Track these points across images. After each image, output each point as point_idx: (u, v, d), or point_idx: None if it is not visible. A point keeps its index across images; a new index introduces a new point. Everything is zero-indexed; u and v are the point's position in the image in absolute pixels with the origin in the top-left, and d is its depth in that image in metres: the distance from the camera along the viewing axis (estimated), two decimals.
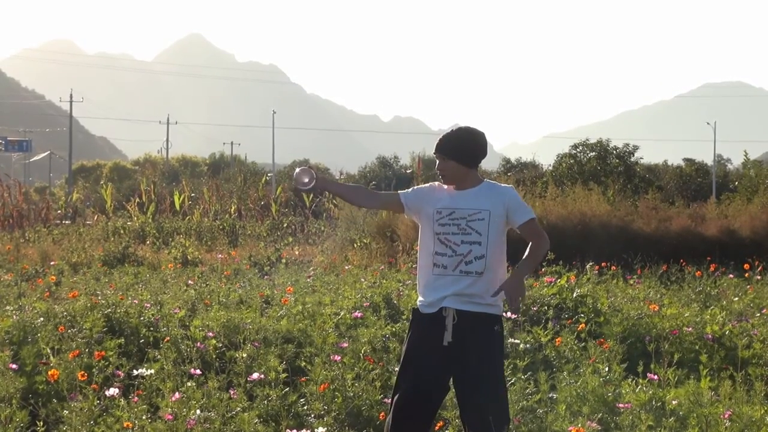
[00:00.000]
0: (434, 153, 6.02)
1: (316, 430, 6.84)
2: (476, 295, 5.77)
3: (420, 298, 5.97)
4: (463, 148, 5.97)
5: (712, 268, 16.97)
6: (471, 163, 5.96)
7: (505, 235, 5.98)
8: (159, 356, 8.26)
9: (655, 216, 23.64)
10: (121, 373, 7.62)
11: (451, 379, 5.90)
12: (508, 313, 9.54)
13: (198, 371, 7.60)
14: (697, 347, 9.63)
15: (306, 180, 5.93)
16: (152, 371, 7.54)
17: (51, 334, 9.07)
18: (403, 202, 6.09)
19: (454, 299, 5.76)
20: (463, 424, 5.94)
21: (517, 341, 9.08)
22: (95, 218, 39.67)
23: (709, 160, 75.02)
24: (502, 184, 6.07)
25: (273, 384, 7.63)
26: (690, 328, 10.03)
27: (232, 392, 7.36)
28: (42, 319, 9.75)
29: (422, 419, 5.85)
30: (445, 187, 6.04)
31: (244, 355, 8.32)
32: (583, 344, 9.06)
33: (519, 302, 5.76)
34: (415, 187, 6.22)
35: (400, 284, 13.26)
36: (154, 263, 21.19)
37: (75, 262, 20.85)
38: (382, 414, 7.21)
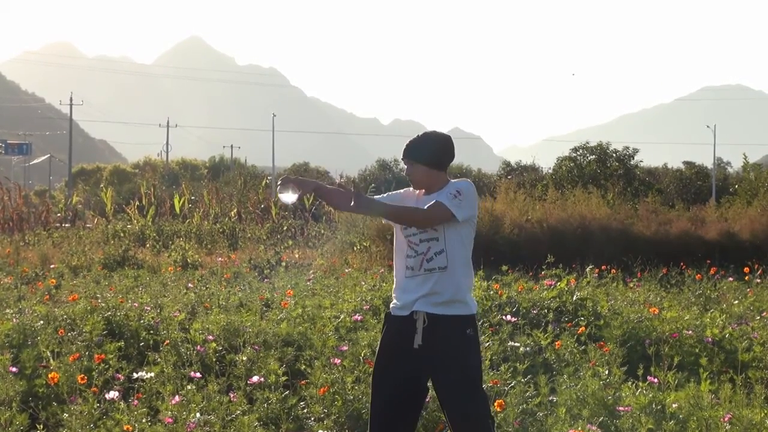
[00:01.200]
0: (402, 158, 6.03)
1: None
2: (444, 295, 5.76)
3: (393, 301, 5.97)
4: (429, 153, 5.98)
5: (712, 272, 16.97)
6: (438, 167, 5.96)
7: (463, 232, 5.89)
8: (159, 359, 8.26)
9: (655, 219, 23.66)
10: (121, 376, 7.63)
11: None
12: (508, 316, 9.55)
13: (198, 374, 7.60)
14: (697, 350, 9.64)
15: (290, 198, 5.82)
16: (152, 374, 7.55)
17: (51, 337, 9.06)
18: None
19: (425, 302, 5.75)
20: (448, 425, 5.94)
21: (516, 344, 9.08)
22: (95, 221, 39.67)
23: (709, 163, 74.97)
24: (459, 180, 6.06)
25: (273, 387, 7.64)
26: (690, 332, 10.03)
27: (232, 395, 7.37)
28: (42, 322, 9.74)
29: (403, 426, 5.86)
30: (416, 192, 6.06)
31: (244, 359, 8.33)
32: (583, 347, 9.06)
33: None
34: (390, 193, 6.23)
35: None
36: (154, 266, 21.20)
37: (75, 265, 20.86)
38: None
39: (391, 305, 5.97)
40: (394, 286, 6.05)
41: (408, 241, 5.89)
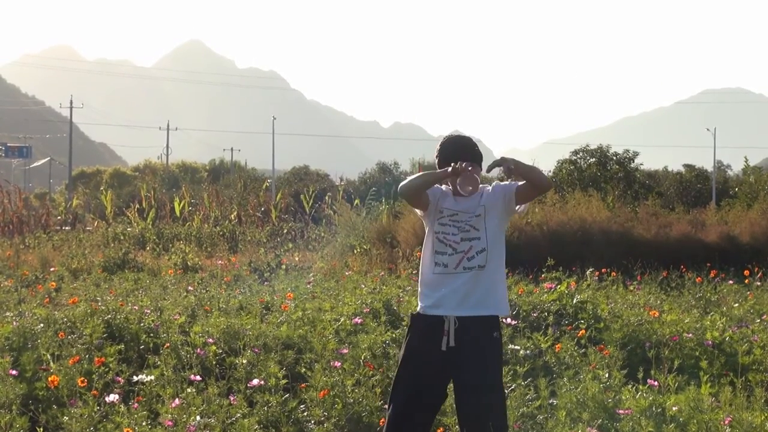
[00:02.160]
0: (465, 163, 5.89)
1: None
2: (476, 296, 5.76)
3: (421, 303, 5.95)
4: (479, 154, 6.15)
5: (712, 274, 16.95)
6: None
7: (503, 232, 6.01)
8: (159, 362, 8.26)
9: (655, 222, 23.63)
10: (121, 379, 7.63)
11: (450, 385, 5.91)
12: (508, 319, 9.55)
13: (198, 377, 7.60)
14: (697, 353, 9.62)
15: (470, 188, 5.84)
16: (152, 377, 7.55)
17: (51, 340, 9.06)
18: (428, 194, 6.08)
19: (453, 304, 5.75)
20: (461, 426, 5.93)
21: (517, 347, 9.08)
22: (95, 224, 39.69)
23: (709, 166, 74.98)
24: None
25: (273, 390, 7.63)
26: (690, 335, 10.02)
27: (232, 398, 7.36)
28: (42, 325, 9.74)
29: (419, 428, 5.85)
30: (450, 193, 6.06)
31: (244, 362, 8.33)
32: (583, 350, 9.05)
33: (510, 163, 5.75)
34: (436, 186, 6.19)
35: (401, 290, 13.25)
36: (154, 269, 21.19)
37: (75, 268, 20.86)
38: (382, 420, 7.20)
39: (419, 304, 5.96)
40: (420, 282, 6.05)
41: (444, 238, 5.88)
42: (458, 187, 5.83)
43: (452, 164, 5.78)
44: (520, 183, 5.92)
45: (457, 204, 5.97)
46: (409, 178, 6.02)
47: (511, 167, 5.68)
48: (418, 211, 6.18)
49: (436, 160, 6.17)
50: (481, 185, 6.00)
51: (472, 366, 5.70)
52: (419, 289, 6.05)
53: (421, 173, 6.09)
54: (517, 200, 5.97)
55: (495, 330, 5.82)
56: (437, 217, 5.98)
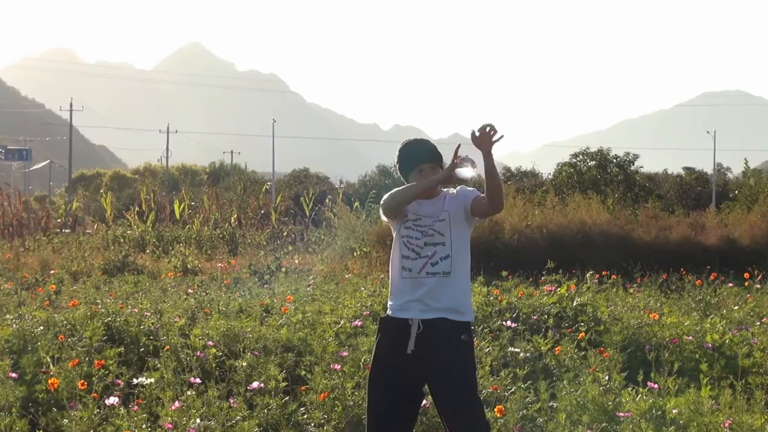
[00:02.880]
0: (425, 163, 5.96)
1: None
2: (443, 301, 5.73)
3: (390, 302, 5.94)
4: (439, 155, 6.08)
5: (712, 277, 16.96)
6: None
7: (468, 237, 5.93)
8: (159, 365, 8.26)
9: (655, 225, 23.66)
10: (121, 382, 7.62)
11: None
12: (508, 322, 9.55)
13: (198, 380, 7.60)
14: (697, 356, 9.62)
15: (469, 173, 5.69)
16: (152, 380, 7.55)
17: (51, 342, 9.07)
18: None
19: (422, 307, 5.73)
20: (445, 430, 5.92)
21: (516, 350, 9.08)
22: (95, 227, 39.65)
23: (708, 169, 75.06)
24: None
25: (273, 393, 7.63)
26: (690, 337, 10.03)
27: (232, 401, 7.36)
28: (42, 327, 9.75)
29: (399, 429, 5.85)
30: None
31: (244, 364, 8.32)
32: (583, 353, 9.05)
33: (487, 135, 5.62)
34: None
35: None
36: (154, 272, 21.19)
37: (75, 270, 20.85)
38: None
39: (388, 306, 5.95)
40: (390, 286, 6.04)
41: (408, 242, 5.86)
42: (460, 174, 5.69)
43: (449, 165, 5.76)
44: (480, 195, 5.83)
45: (420, 208, 5.91)
46: (396, 191, 5.92)
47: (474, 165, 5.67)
48: (385, 218, 6.10)
49: (397, 167, 6.14)
50: (444, 189, 5.98)
51: (441, 368, 5.68)
52: (389, 292, 6.04)
53: (410, 185, 5.95)
54: (473, 212, 5.88)
55: (463, 333, 5.78)
56: (402, 220, 5.94)
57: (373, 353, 5.97)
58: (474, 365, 5.92)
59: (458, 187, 5.99)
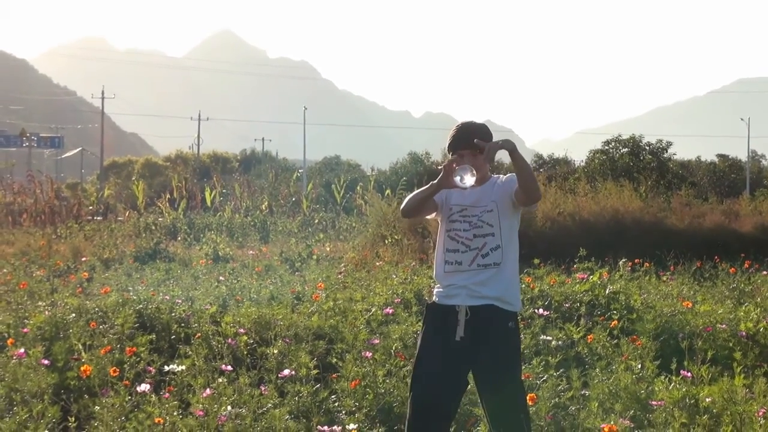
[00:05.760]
0: (460, 149, 5.87)
1: (347, 426, 6.82)
2: (494, 291, 5.68)
3: (436, 288, 5.90)
4: (486, 135, 5.88)
5: (746, 265, 16.82)
6: None
7: (516, 227, 5.89)
8: (190, 352, 8.28)
9: (689, 212, 23.48)
10: (153, 369, 7.63)
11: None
12: (540, 309, 9.50)
13: (229, 367, 7.60)
14: (730, 344, 9.55)
15: (469, 181, 5.57)
16: (183, 367, 7.55)
17: (83, 330, 9.10)
18: (437, 201, 5.97)
19: (467, 293, 5.70)
20: (485, 417, 5.89)
21: (549, 338, 9.04)
22: (126, 214, 39.85)
23: (743, 156, 74.52)
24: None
25: (304, 380, 7.62)
26: (724, 325, 9.94)
27: (263, 388, 7.36)
28: (74, 315, 9.78)
29: (440, 420, 5.79)
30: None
31: (275, 352, 8.32)
32: (615, 341, 8.99)
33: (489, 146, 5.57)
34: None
35: (432, 280, 13.21)
36: (185, 259, 21.26)
37: (107, 258, 20.95)
38: None
39: (435, 292, 5.91)
40: (434, 274, 6.00)
41: (455, 235, 5.81)
42: (458, 183, 5.59)
43: (442, 174, 5.67)
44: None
45: (465, 198, 5.85)
46: (405, 200, 5.93)
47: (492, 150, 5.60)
48: (429, 216, 6.05)
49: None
50: (494, 176, 5.91)
51: (487, 355, 5.65)
52: (435, 277, 6.00)
53: (416, 192, 5.90)
54: (517, 201, 5.79)
55: (510, 320, 5.75)
56: (448, 214, 5.90)
57: (419, 338, 5.94)
58: (519, 351, 5.92)
59: (508, 174, 5.93)
